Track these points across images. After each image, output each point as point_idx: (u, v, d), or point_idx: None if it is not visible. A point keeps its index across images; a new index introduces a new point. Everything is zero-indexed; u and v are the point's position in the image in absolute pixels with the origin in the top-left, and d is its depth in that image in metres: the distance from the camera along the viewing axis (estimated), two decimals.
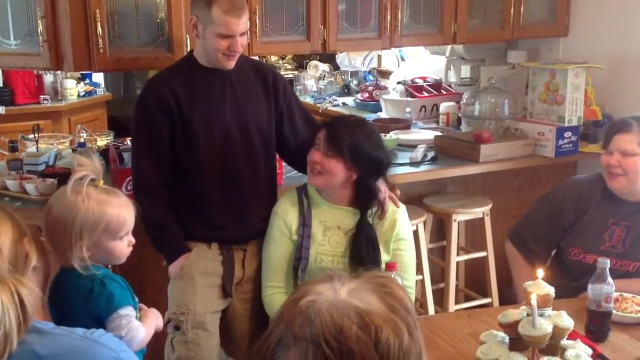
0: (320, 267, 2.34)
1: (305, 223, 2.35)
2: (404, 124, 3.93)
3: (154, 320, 1.81)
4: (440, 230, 3.46)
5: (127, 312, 1.69)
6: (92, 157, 1.74)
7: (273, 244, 2.39)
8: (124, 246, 1.74)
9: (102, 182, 1.71)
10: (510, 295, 3.47)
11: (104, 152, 3.18)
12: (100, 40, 2.76)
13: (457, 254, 3.32)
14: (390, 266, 2.11)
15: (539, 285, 1.77)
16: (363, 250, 2.32)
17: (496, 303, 3.35)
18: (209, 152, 2.35)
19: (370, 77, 5.17)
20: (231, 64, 2.35)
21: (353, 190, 2.34)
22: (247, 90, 2.43)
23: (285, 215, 2.37)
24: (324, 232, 2.35)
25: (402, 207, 2.43)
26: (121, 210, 1.70)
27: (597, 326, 2.01)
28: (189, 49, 2.90)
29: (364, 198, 2.34)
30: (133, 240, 1.77)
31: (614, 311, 2.05)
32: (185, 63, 2.43)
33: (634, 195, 2.44)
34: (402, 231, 2.40)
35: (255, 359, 0.95)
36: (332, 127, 2.30)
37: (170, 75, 2.39)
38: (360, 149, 2.27)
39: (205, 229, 2.41)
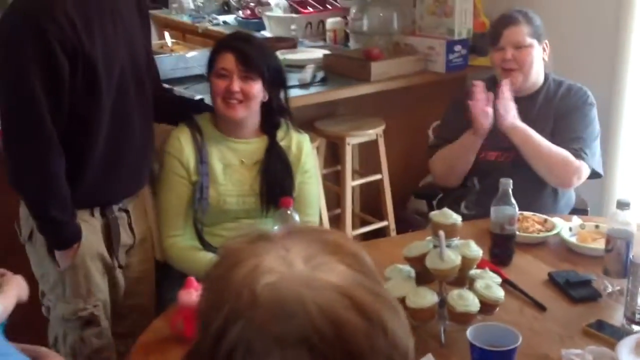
0: (223, 210, 2.13)
1: (202, 160, 2.11)
2: (290, 43, 3.71)
3: (16, 290, 1.56)
4: (333, 155, 3.32)
5: None
6: None
7: (168, 189, 2.12)
8: None
9: None
10: (406, 217, 3.42)
11: None
12: None
13: (352, 179, 3.21)
14: (285, 202, 1.94)
15: (445, 214, 1.65)
16: (278, 176, 2.13)
17: (392, 225, 3.28)
18: (107, 100, 1.88)
19: None
20: None
21: (261, 116, 2.16)
22: (130, 15, 1.97)
23: (180, 154, 2.10)
24: (224, 169, 2.13)
25: (306, 136, 2.26)
26: None
27: (501, 250, 1.95)
28: None
29: (273, 119, 2.18)
30: None
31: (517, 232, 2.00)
32: None
33: (525, 91, 2.45)
34: (308, 162, 2.23)
35: None
36: (239, 49, 2.05)
37: None
38: (274, 64, 2.13)
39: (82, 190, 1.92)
